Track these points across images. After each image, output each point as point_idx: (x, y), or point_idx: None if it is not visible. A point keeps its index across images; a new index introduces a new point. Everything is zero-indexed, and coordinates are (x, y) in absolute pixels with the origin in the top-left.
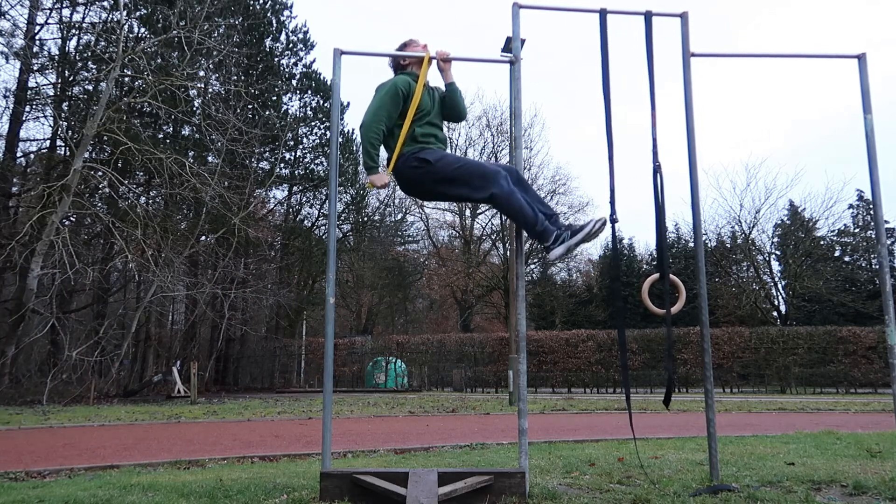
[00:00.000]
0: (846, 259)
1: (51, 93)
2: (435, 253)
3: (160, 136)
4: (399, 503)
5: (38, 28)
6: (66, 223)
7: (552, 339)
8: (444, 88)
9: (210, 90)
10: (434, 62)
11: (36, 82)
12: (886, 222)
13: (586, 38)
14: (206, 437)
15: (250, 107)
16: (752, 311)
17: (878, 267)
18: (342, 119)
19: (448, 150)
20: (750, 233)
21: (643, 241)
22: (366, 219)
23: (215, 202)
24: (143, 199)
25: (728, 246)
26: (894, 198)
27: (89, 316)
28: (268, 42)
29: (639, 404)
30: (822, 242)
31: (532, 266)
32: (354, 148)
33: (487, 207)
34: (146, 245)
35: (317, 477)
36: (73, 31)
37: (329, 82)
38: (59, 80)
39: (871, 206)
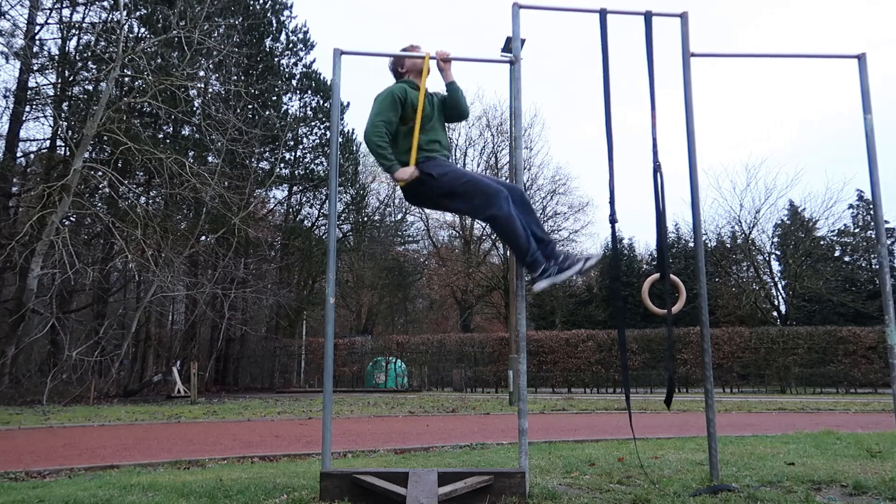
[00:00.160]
0: (846, 259)
1: (51, 93)
2: (435, 253)
3: (160, 136)
4: (399, 503)
5: (38, 28)
6: (66, 223)
7: (552, 339)
8: (443, 92)
9: (210, 90)
10: (434, 62)
11: (36, 82)
12: (886, 222)
13: (586, 38)
14: (206, 437)
15: (250, 107)
16: (752, 311)
17: (878, 267)
18: (342, 119)
19: (451, 161)
20: (750, 233)
21: (643, 241)
22: (366, 219)
23: (215, 202)
24: (143, 199)
25: (728, 246)
26: (894, 198)
27: (89, 316)
28: (268, 42)
29: (639, 404)
30: (822, 242)
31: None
32: (354, 148)
33: None
34: (146, 245)
35: (317, 477)
36: (73, 31)
37: (329, 82)
38: (59, 80)
39: (871, 206)
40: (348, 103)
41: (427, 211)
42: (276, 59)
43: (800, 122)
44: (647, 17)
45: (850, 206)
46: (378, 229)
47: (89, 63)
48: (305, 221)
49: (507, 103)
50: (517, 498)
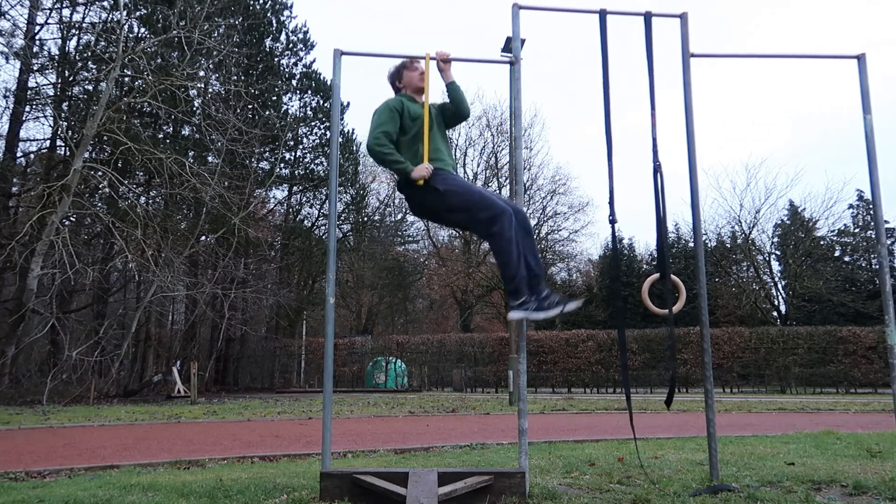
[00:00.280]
0: (846, 259)
1: (51, 93)
2: (435, 253)
3: (160, 136)
4: (399, 503)
5: (38, 28)
6: (66, 223)
7: (552, 339)
8: (442, 99)
9: (210, 90)
10: (434, 62)
11: (36, 82)
12: (886, 222)
13: (586, 38)
14: (206, 437)
15: (250, 107)
16: (752, 311)
17: (878, 267)
18: (342, 119)
19: (457, 174)
20: (750, 233)
21: (643, 241)
22: (366, 219)
23: (215, 202)
24: (143, 199)
25: (728, 246)
26: (894, 198)
27: (89, 316)
28: (268, 42)
29: (639, 404)
30: (822, 242)
31: None
32: (354, 148)
33: None
34: (146, 245)
35: (317, 477)
36: (73, 31)
37: (329, 82)
38: (59, 80)
39: (871, 206)
40: (348, 103)
41: None
42: (276, 59)
43: (799, 122)
44: (647, 17)
45: (850, 206)
46: (378, 229)
47: (89, 63)
48: (305, 221)
49: (507, 103)
50: (517, 498)
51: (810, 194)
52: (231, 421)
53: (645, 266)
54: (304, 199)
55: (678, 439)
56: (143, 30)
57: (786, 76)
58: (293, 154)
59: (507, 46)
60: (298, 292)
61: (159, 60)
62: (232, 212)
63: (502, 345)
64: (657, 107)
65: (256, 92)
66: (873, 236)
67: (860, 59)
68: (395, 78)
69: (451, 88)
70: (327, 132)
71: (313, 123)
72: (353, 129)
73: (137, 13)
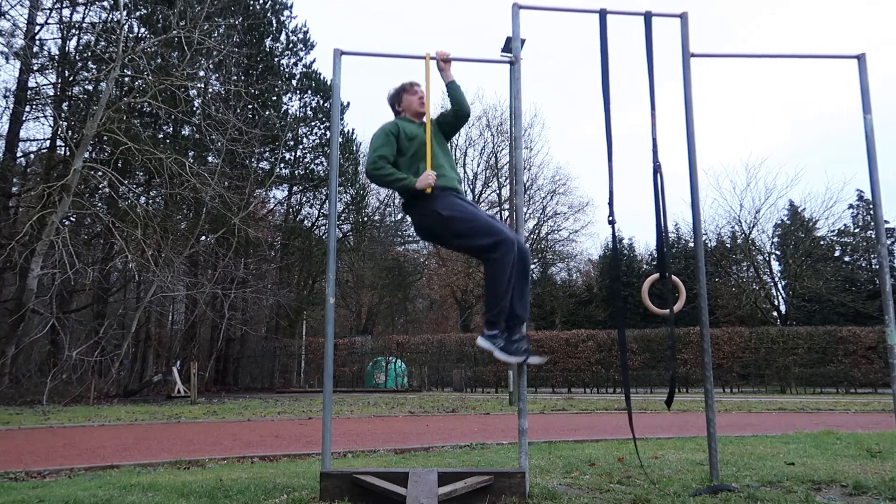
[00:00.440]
0: (846, 259)
1: (51, 93)
2: (435, 253)
3: (160, 136)
4: (399, 503)
5: (38, 28)
6: (66, 223)
7: (552, 339)
8: (443, 100)
9: (210, 90)
10: (434, 62)
11: (36, 82)
12: (886, 222)
13: (586, 38)
14: (206, 437)
15: (250, 107)
16: (752, 311)
17: (878, 267)
18: (342, 119)
19: (460, 198)
20: (750, 233)
21: (643, 241)
22: (366, 219)
23: (215, 202)
24: (143, 199)
25: (728, 246)
26: (894, 198)
27: (89, 316)
28: (268, 42)
29: (639, 404)
30: (822, 242)
31: (532, 266)
32: (354, 148)
33: (487, 208)
34: (146, 245)
35: (317, 477)
36: (73, 31)
37: (329, 82)
38: (59, 80)
39: (871, 206)
40: (348, 103)
41: None
42: (276, 59)
43: (799, 122)
44: (647, 17)
45: (850, 206)
46: (378, 229)
47: (89, 63)
48: (305, 221)
49: (507, 103)
50: (517, 498)
51: (810, 194)
52: (231, 421)
53: (645, 266)
54: (304, 199)
55: (678, 439)
56: (143, 30)
57: (786, 76)
58: (293, 154)
59: (507, 46)
60: (298, 292)
61: (159, 60)
62: (232, 212)
63: None
64: (657, 107)
65: (256, 92)
66: (873, 236)
67: (860, 59)
68: (395, 101)
69: (451, 88)
70: (327, 132)
71: (313, 123)
72: (353, 129)
73: (137, 13)
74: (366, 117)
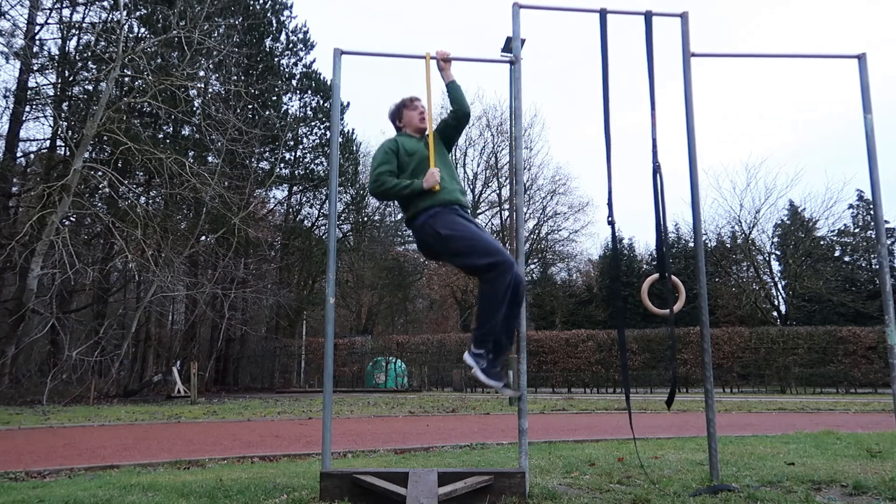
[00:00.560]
0: (846, 259)
1: (51, 93)
2: None
3: (160, 136)
4: (399, 503)
5: (38, 28)
6: (66, 223)
7: (552, 339)
8: (444, 100)
9: (210, 90)
10: (434, 62)
11: (36, 82)
12: (886, 222)
13: (586, 38)
14: (206, 437)
15: (250, 107)
16: (752, 311)
17: (878, 267)
18: (342, 119)
19: (462, 216)
20: (750, 233)
21: (643, 241)
22: (366, 219)
23: (215, 202)
24: (143, 199)
25: (728, 246)
26: (894, 198)
27: (89, 316)
28: (268, 42)
29: (639, 404)
30: (822, 242)
31: (532, 266)
32: (354, 148)
33: (487, 208)
34: (146, 245)
35: (317, 477)
36: (73, 31)
37: (329, 82)
38: (59, 80)
39: (871, 206)
40: (348, 103)
41: None
42: (276, 59)
43: (800, 122)
44: (648, 17)
45: (850, 206)
46: (378, 229)
47: (89, 63)
48: (305, 221)
49: (507, 103)
50: (517, 498)
51: (810, 194)
52: (231, 421)
53: (645, 266)
54: (304, 199)
55: (678, 439)
56: (143, 30)
57: (786, 76)
58: (293, 154)
59: (508, 46)
60: (298, 292)
61: (159, 60)
62: (232, 212)
63: None
64: (657, 107)
65: (256, 92)
66: (873, 236)
67: (861, 58)
68: (396, 117)
69: (451, 88)
70: (327, 132)
71: (313, 123)
72: (353, 129)
73: (137, 13)
74: (366, 117)
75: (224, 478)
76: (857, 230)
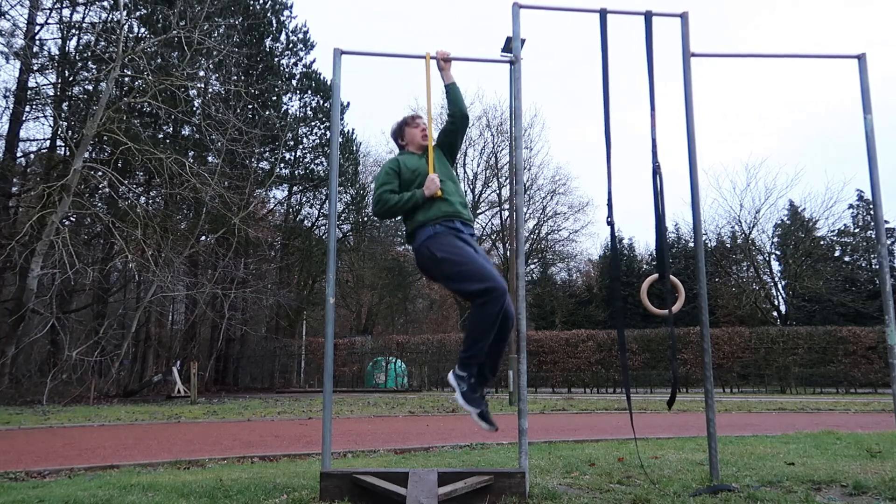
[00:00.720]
0: (846, 259)
1: (51, 93)
2: None
3: (160, 136)
4: (399, 503)
5: (38, 28)
6: (66, 223)
7: (552, 339)
8: (443, 102)
9: (210, 90)
10: (434, 62)
11: (36, 82)
12: (886, 222)
13: (586, 38)
14: (206, 437)
15: (250, 107)
16: (752, 311)
17: (878, 267)
18: (342, 119)
19: (457, 236)
20: (750, 233)
21: (643, 241)
22: (366, 219)
23: (215, 202)
24: (143, 199)
25: (728, 246)
26: (894, 198)
27: (89, 316)
28: (268, 42)
29: (639, 404)
30: (822, 242)
31: (532, 266)
32: (354, 148)
33: (487, 208)
34: (146, 245)
35: (317, 477)
36: (73, 31)
37: (329, 82)
38: (59, 80)
39: (871, 206)
40: (348, 103)
41: None
42: (276, 59)
43: (800, 122)
44: (648, 17)
45: (850, 206)
46: (378, 229)
47: (89, 63)
48: (305, 221)
49: (507, 103)
50: (517, 498)
51: (810, 194)
52: (231, 421)
53: (645, 266)
54: (304, 199)
55: (678, 439)
56: (143, 30)
57: (786, 76)
58: (293, 154)
59: (508, 46)
60: (298, 292)
61: (159, 60)
62: (232, 212)
63: None
64: (657, 107)
65: (256, 92)
66: (873, 236)
67: (860, 58)
68: (398, 135)
69: (450, 89)
70: (327, 132)
71: (313, 123)
72: (353, 129)
73: (137, 13)
74: (366, 117)
75: (224, 478)
76: (857, 230)
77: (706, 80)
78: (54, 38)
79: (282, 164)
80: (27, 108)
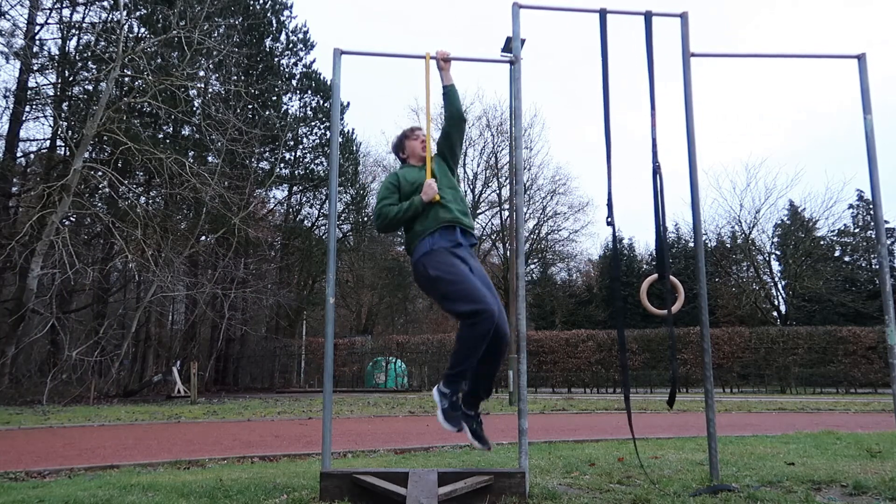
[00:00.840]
0: (846, 259)
1: (51, 93)
2: None
3: (160, 136)
4: (399, 503)
5: (38, 28)
6: (66, 223)
7: (552, 339)
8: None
9: (210, 90)
10: (434, 62)
11: (36, 82)
12: (886, 222)
13: (586, 38)
14: (206, 437)
15: (250, 107)
16: (752, 311)
17: (878, 267)
18: (342, 119)
19: (453, 253)
20: (750, 233)
21: (643, 241)
22: (366, 219)
23: (215, 202)
24: (143, 199)
25: (728, 246)
26: (894, 198)
27: (89, 316)
28: (268, 42)
29: (639, 404)
30: (822, 242)
31: (532, 266)
32: (354, 148)
33: (487, 208)
34: (146, 245)
35: (317, 477)
36: (73, 31)
37: (329, 82)
38: (59, 80)
39: (871, 206)
40: (348, 103)
41: None
42: (276, 59)
43: (799, 122)
44: (647, 17)
45: (850, 206)
46: None
47: (89, 63)
48: (305, 221)
49: (507, 103)
50: (517, 498)
51: (810, 194)
52: (231, 421)
53: (645, 266)
54: (304, 199)
55: (678, 439)
56: (143, 30)
57: (786, 76)
58: (293, 154)
59: (508, 46)
60: (298, 292)
61: (159, 60)
62: (232, 212)
63: None
64: (657, 107)
65: (256, 92)
66: (873, 236)
67: (860, 58)
68: (398, 149)
69: (447, 91)
70: (327, 132)
71: (313, 123)
72: (353, 129)
73: (137, 13)
74: (366, 117)
75: (224, 478)
76: (857, 230)
77: (706, 80)
78: (54, 38)
79: (282, 164)
80: (27, 108)
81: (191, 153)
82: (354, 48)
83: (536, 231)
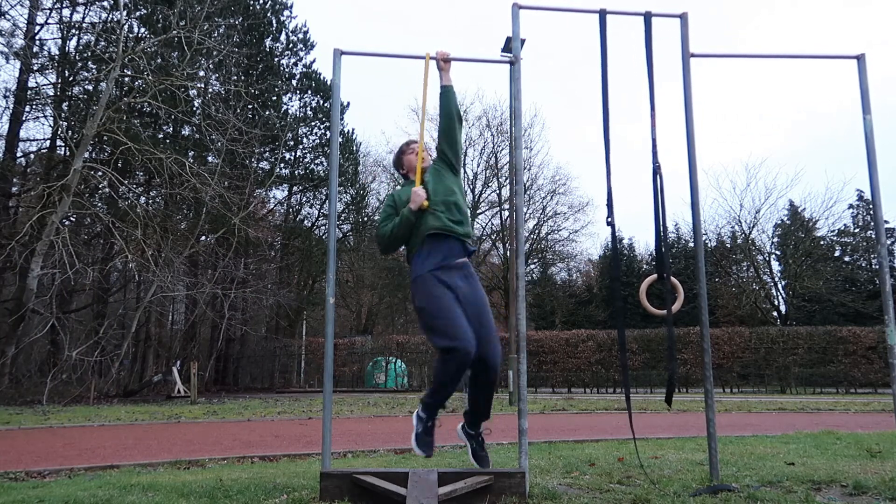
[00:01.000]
0: (846, 259)
1: (51, 93)
2: None
3: (160, 136)
4: (399, 503)
5: (38, 28)
6: (66, 223)
7: (552, 339)
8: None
9: (210, 90)
10: (434, 62)
11: (36, 82)
12: (886, 222)
13: (586, 38)
14: (206, 437)
15: (250, 107)
16: (752, 311)
17: (878, 267)
18: (342, 119)
19: (443, 282)
20: (750, 233)
21: (643, 241)
22: (366, 219)
23: (215, 202)
24: (143, 199)
25: (728, 246)
26: (894, 198)
27: (89, 316)
28: (268, 42)
29: (639, 404)
30: (822, 242)
31: (532, 266)
32: (354, 148)
33: (487, 208)
34: (146, 245)
35: (317, 477)
36: (73, 31)
37: (329, 82)
38: (59, 80)
39: (871, 206)
40: (348, 103)
41: None
42: (276, 59)
43: (799, 122)
44: (647, 17)
45: (850, 206)
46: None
47: (89, 63)
48: (305, 221)
49: (507, 103)
50: (517, 498)
51: (810, 194)
52: (231, 421)
53: (645, 266)
54: (304, 199)
55: (678, 439)
56: (143, 30)
57: (786, 76)
58: (293, 154)
59: (507, 46)
60: (298, 292)
61: (159, 60)
62: (232, 212)
63: (502, 345)
64: (657, 107)
65: (256, 92)
66: (873, 236)
67: (860, 59)
68: (398, 164)
69: (446, 91)
70: (327, 132)
71: (313, 123)
72: (353, 129)
73: (137, 13)
74: (366, 117)
75: (224, 478)
76: (857, 230)
77: (706, 80)
78: (54, 38)
79: (282, 164)
80: (27, 108)
81: (191, 153)
82: (354, 48)
83: (536, 231)
